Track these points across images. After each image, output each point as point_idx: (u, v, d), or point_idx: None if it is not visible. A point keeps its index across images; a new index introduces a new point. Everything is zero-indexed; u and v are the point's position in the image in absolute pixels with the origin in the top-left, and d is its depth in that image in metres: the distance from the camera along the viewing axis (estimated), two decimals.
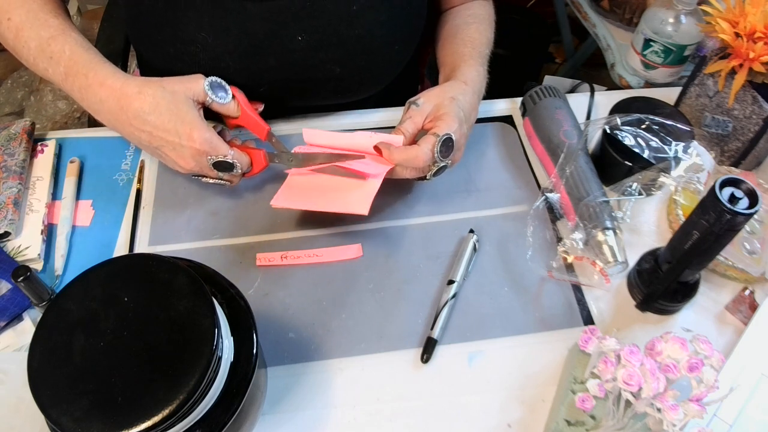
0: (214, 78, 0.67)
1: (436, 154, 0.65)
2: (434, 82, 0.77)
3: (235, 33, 0.68)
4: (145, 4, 0.69)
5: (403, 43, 0.77)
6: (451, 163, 0.69)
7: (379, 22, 0.71)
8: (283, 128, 0.82)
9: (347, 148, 0.70)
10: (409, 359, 0.63)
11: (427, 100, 0.69)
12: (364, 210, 0.64)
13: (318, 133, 0.71)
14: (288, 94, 0.76)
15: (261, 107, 0.73)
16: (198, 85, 0.65)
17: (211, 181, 0.69)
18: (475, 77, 0.73)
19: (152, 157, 0.75)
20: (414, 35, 0.78)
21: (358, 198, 0.66)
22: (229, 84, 0.69)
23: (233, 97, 0.68)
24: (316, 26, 0.69)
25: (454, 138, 0.66)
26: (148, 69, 0.86)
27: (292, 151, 0.71)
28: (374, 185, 0.66)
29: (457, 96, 0.69)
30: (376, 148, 0.66)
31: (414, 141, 0.68)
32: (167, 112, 0.62)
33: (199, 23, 0.67)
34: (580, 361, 0.58)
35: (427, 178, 0.68)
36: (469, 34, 0.78)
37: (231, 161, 0.66)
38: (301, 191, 0.70)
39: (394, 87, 0.82)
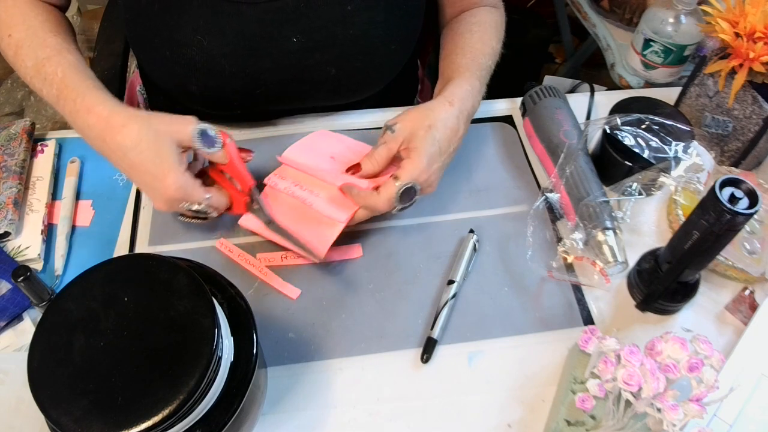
0: (205, 125, 0.63)
1: (395, 202, 0.64)
2: (434, 84, 0.76)
3: (231, 35, 0.68)
4: (142, 5, 0.68)
5: (400, 44, 0.76)
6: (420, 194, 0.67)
7: (375, 23, 0.70)
8: (281, 129, 0.82)
9: (319, 178, 0.69)
10: (409, 359, 0.63)
11: (403, 126, 0.66)
12: (319, 253, 0.64)
13: (293, 159, 0.71)
14: (284, 95, 0.75)
15: (251, 157, 0.69)
16: (186, 130, 0.62)
17: (187, 220, 0.69)
18: (465, 95, 0.69)
19: None
20: (411, 35, 0.77)
21: (318, 238, 0.65)
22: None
23: (222, 146, 0.64)
24: (311, 27, 0.68)
25: (416, 188, 0.64)
26: (147, 70, 0.86)
27: (263, 182, 0.70)
28: (335, 230, 0.65)
29: (436, 123, 0.65)
30: (341, 189, 0.66)
31: (388, 163, 0.67)
32: (147, 151, 0.60)
33: (194, 26, 0.67)
34: (580, 361, 0.58)
35: (393, 213, 0.66)
36: (471, 44, 0.75)
37: (204, 209, 0.64)
38: (276, 208, 0.68)
39: (393, 87, 0.82)
